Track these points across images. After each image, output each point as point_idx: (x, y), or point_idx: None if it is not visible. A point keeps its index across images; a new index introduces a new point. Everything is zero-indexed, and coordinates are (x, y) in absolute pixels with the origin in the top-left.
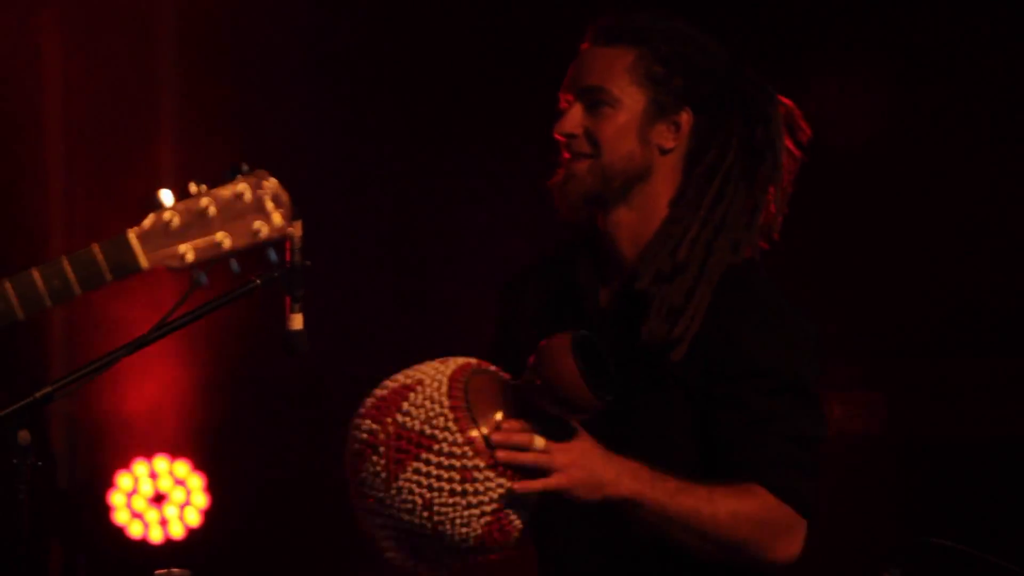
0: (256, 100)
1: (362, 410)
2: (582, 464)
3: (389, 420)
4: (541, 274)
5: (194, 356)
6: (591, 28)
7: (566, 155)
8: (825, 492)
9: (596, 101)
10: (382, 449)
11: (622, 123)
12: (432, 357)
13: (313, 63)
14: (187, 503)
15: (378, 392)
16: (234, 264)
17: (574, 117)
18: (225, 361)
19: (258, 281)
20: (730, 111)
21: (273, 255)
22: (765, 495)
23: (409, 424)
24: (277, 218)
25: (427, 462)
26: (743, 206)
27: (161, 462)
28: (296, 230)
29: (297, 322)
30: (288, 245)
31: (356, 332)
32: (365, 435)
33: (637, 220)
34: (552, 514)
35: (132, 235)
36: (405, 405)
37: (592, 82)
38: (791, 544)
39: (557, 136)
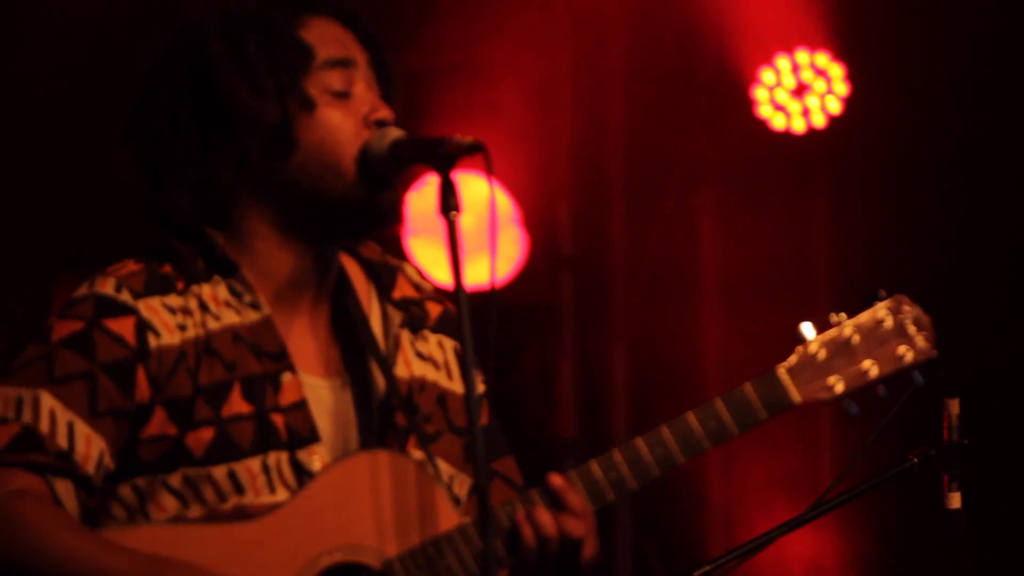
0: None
1: None
2: None
3: None
4: None
5: (845, 529)
6: None
7: None
8: None
9: None
10: None
11: None
12: None
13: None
14: None
15: None
16: (852, 406)
17: None
18: (872, 536)
19: (915, 460)
20: None
21: (919, 378)
22: None
23: None
24: (920, 341)
25: None
26: None
27: None
28: (953, 408)
29: (955, 501)
30: (945, 423)
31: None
32: None
33: None
34: None
35: (782, 371)
36: None
37: None
38: None
39: None
